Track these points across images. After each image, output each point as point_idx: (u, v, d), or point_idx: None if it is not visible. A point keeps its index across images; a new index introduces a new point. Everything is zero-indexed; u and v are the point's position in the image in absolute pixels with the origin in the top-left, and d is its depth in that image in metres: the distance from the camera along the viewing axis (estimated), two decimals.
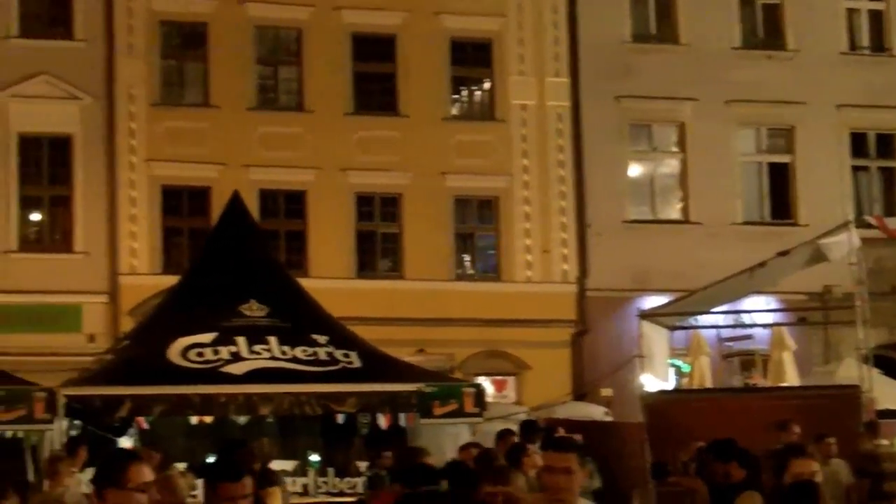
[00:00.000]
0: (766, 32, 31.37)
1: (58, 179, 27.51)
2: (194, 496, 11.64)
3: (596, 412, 24.09)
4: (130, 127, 27.80)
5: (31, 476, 12.76)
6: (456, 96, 30.08)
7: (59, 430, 15.00)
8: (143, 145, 27.76)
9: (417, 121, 28.87)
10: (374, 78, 29.46)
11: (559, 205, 29.54)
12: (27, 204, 27.41)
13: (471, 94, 30.44)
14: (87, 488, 11.14)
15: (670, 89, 29.73)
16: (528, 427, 15.77)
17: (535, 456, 12.62)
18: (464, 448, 13.13)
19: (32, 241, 27.49)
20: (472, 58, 29.97)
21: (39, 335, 25.26)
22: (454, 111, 29.98)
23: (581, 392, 27.33)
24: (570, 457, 6.78)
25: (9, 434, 15.27)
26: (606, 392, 25.98)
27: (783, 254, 19.10)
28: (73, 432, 15.27)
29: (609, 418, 23.81)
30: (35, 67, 27.09)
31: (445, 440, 15.65)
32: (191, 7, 28.29)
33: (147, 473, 5.73)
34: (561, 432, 14.41)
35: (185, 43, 28.88)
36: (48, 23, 27.93)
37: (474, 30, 29.70)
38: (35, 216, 27.76)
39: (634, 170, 30.38)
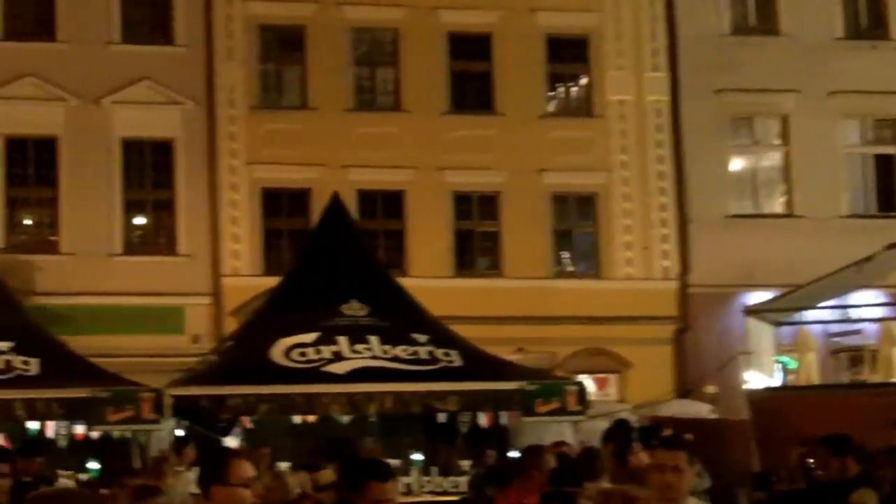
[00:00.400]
0: (870, 22, 30.79)
1: (160, 183, 27.84)
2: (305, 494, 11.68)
3: (701, 410, 23.81)
4: (231, 130, 28.06)
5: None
6: (552, 93, 29.94)
7: (166, 430, 15.16)
8: (244, 148, 28.00)
9: (514, 119, 28.79)
10: (471, 77, 29.45)
11: (659, 200, 29.30)
12: (131, 208, 27.77)
13: (567, 90, 30.27)
14: (194, 487, 11.23)
15: (772, 81, 29.32)
16: (621, 426, 15.66)
17: (641, 455, 12.53)
18: (555, 446, 13.08)
19: (137, 245, 27.83)
20: (568, 54, 29.83)
21: (145, 337, 25.57)
22: (551, 108, 29.85)
23: (685, 389, 27.08)
24: (680, 455, 6.72)
25: (117, 434, 15.46)
26: (711, 389, 25.66)
27: (892, 247, 18.76)
28: (180, 432, 15.43)
29: (714, 416, 23.52)
30: (137, 73, 27.44)
31: (548, 438, 15.54)
32: (288, 11, 28.47)
33: (249, 469, 5.75)
34: (667, 431, 14.26)
35: (283, 46, 29.08)
36: (149, 29, 28.26)
37: (570, 26, 29.56)
38: (139, 220, 28.12)
39: (736, 164, 30.01)
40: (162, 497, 6.88)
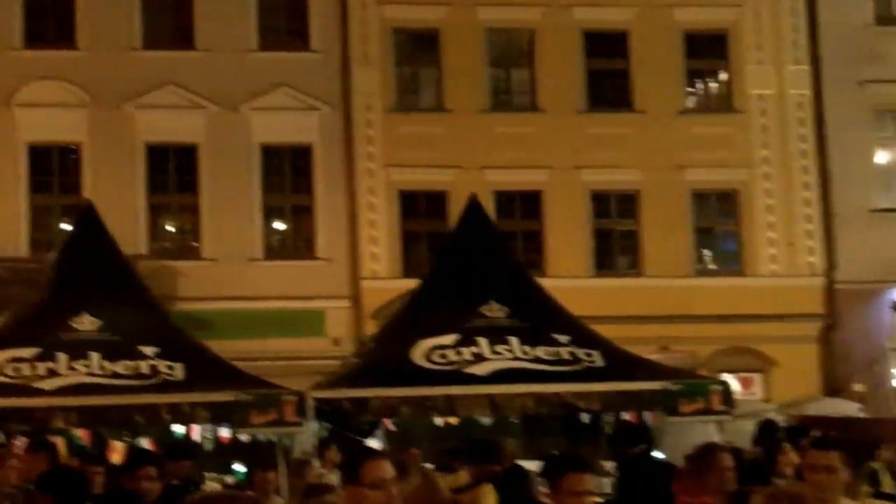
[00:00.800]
0: None
1: (299, 188, 28.13)
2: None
3: (849, 409, 23.32)
4: (368, 134, 28.22)
5: (282, 478, 12.95)
6: (691, 89, 29.64)
7: (308, 433, 15.23)
8: (381, 152, 28.15)
9: (652, 115, 28.55)
10: (607, 74, 29.28)
11: (803, 195, 28.81)
12: (270, 213, 28.11)
13: (706, 86, 29.93)
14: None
15: None
16: (769, 427, 15.39)
17: (791, 454, 12.29)
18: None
19: (277, 249, 28.15)
20: (706, 49, 29.51)
21: (286, 340, 25.84)
22: (690, 104, 29.56)
23: (832, 388, 26.55)
24: (833, 455, 6.72)
25: (262, 437, 15.57)
26: (859, 388, 25.16)
27: None
28: (323, 434, 15.50)
29: (863, 415, 23.01)
30: (274, 80, 27.76)
31: (693, 439, 15.28)
32: (423, 14, 28.56)
33: (384, 470, 5.70)
34: (816, 431, 13.95)
35: (418, 49, 29.18)
36: (286, 36, 28.59)
37: (708, 21, 29.23)
38: (278, 225, 28.45)
39: (881, 157, 29.36)
40: (332, 495, 6.89)
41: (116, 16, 27.43)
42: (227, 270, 26.89)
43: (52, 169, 27.52)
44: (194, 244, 27.75)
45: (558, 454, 6.21)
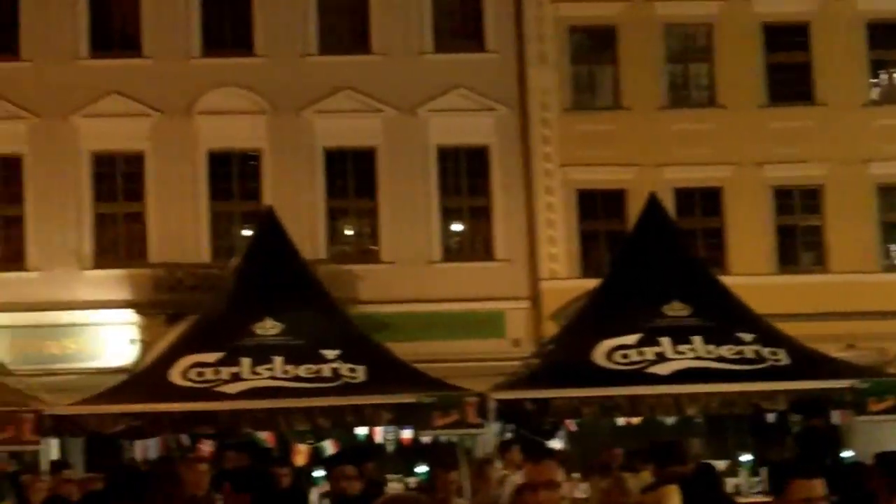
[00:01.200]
0: None
1: (476, 189, 28.11)
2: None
3: None
4: (544, 134, 28.08)
5: (464, 479, 12.94)
6: (875, 80, 28.83)
7: (490, 434, 15.20)
8: (558, 151, 27.98)
9: (835, 108, 27.90)
10: (788, 68, 28.66)
11: None
12: (448, 215, 28.14)
13: (891, 77, 29.10)
14: None
15: None
16: None
17: None
18: None
19: (455, 251, 28.17)
20: (891, 39, 28.68)
21: (466, 341, 25.86)
22: (874, 96, 28.76)
23: None
24: None
25: (444, 438, 15.61)
26: None
27: None
28: (508, 435, 15.46)
29: None
30: (450, 81, 27.80)
31: (885, 438, 14.86)
32: (599, 10, 28.30)
33: (539, 472, 5.63)
34: None
35: (594, 47, 28.93)
36: (460, 37, 28.60)
37: (893, 10, 28.41)
38: (456, 227, 28.46)
39: None
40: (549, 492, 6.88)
41: (293, 22, 27.79)
42: (406, 273, 27.02)
43: (232, 175, 27.97)
44: (373, 248, 27.94)
45: (784, 459, 5.85)
